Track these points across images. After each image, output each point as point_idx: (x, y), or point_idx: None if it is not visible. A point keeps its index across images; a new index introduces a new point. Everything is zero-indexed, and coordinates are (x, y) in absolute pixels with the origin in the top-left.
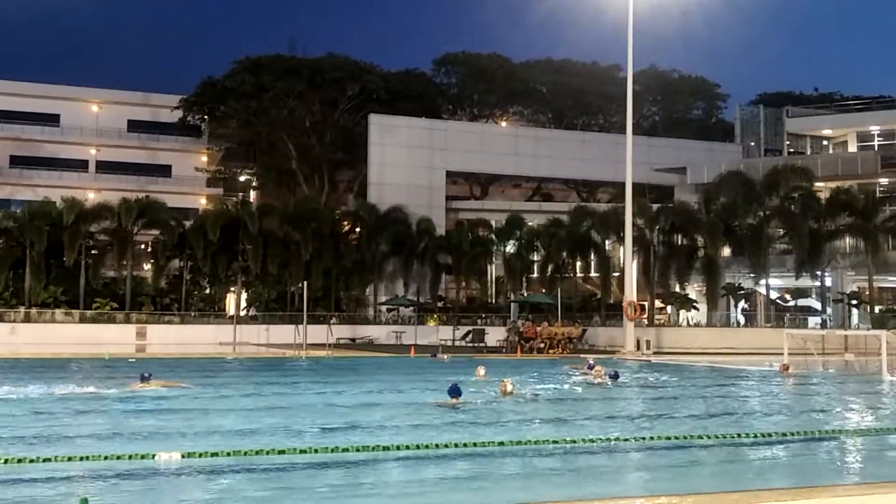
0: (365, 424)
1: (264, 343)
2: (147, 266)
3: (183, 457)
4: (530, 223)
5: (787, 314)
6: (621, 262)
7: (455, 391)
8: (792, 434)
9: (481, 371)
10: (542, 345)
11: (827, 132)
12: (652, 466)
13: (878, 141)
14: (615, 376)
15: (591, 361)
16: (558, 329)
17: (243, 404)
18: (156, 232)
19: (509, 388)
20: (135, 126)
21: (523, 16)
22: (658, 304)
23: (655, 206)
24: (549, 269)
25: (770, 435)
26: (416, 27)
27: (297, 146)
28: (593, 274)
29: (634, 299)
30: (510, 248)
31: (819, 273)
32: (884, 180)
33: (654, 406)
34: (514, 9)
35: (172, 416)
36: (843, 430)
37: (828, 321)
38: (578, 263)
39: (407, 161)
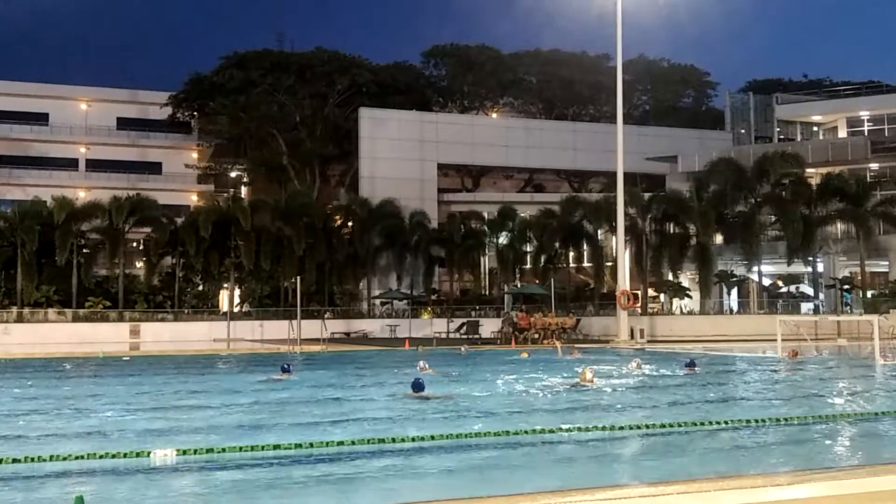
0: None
1: (258, 339)
2: (139, 264)
3: (179, 454)
4: (522, 214)
5: (780, 300)
6: (614, 251)
7: (418, 386)
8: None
9: (425, 365)
10: (536, 335)
11: (817, 118)
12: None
13: (868, 126)
14: (691, 364)
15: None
16: (552, 319)
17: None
18: (147, 229)
19: (589, 376)
20: (124, 124)
21: (511, 6)
22: (651, 292)
23: (647, 195)
24: (542, 260)
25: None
26: (404, 20)
27: (287, 141)
28: (586, 264)
29: (627, 288)
30: (503, 239)
31: (811, 259)
32: (874, 165)
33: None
34: (505, 0)
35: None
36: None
37: (820, 307)
38: (571, 253)
39: (398, 154)
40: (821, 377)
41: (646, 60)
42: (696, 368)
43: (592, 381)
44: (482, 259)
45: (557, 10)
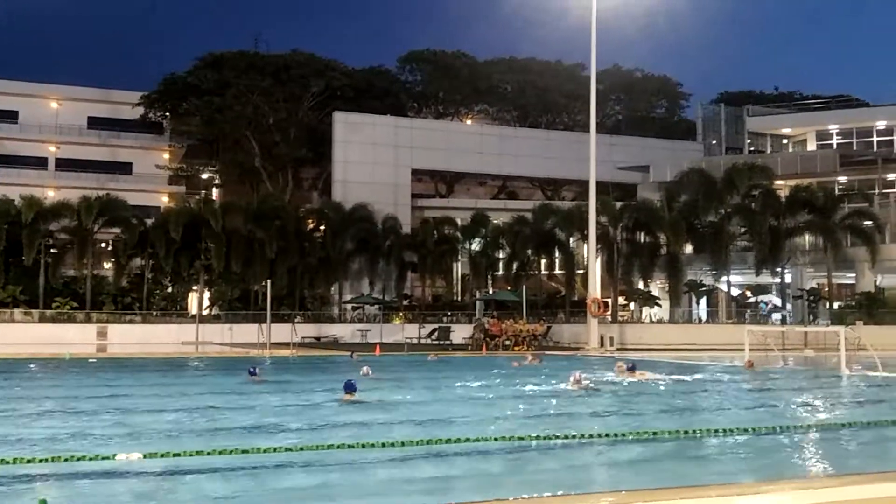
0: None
1: (227, 342)
2: (108, 265)
3: (144, 457)
4: (495, 221)
5: (748, 310)
6: (585, 259)
7: (350, 387)
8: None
9: (368, 371)
10: (507, 342)
11: (787, 131)
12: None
13: (837, 139)
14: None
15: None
16: (523, 326)
17: None
18: (117, 230)
19: (577, 377)
20: (95, 123)
21: (488, 14)
22: (621, 300)
23: (619, 204)
24: (515, 267)
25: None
26: (381, 25)
27: (260, 143)
28: (558, 271)
29: (598, 296)
30: (476, 245)
31: (779, 270)
32: (842, 178)
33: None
34: (479, 7)
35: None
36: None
37: (787, 317)
38: (543, 261)
39: (372, 159)
40: (769, 388)
41: (620, 70)
42: (636, 373)
43: (583, 384)
44: (455, 265)
45: (534, 19)
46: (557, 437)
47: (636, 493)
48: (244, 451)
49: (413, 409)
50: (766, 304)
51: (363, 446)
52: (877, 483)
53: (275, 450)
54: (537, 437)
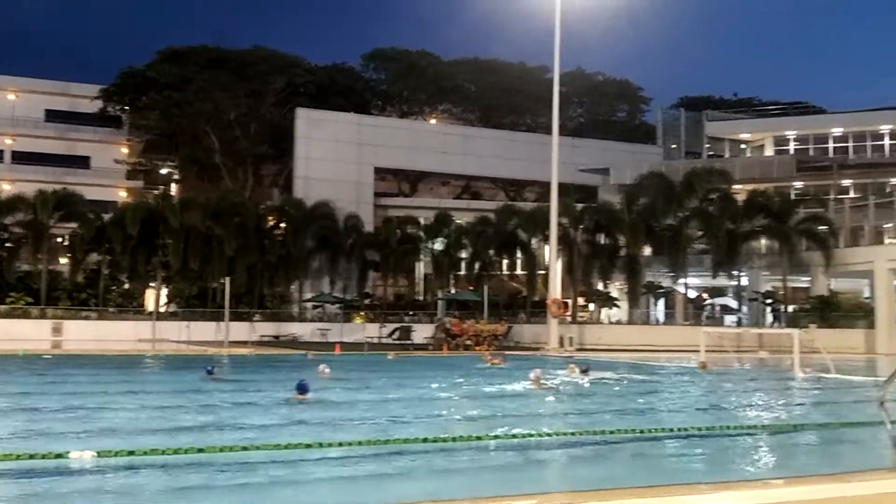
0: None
1: (185, 340)
2: (64, 260)
3: (98, 455)
4: (458, 221)
5: (705, 312)
6: (546, 260)
7: (303, 388)
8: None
9: (326, 370)
10: (468, 342)
11: (745, 136)
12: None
13: (794, 145)
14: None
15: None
16: (484, 326)
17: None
18: (73, 225)
19: (536, 374)
20: (53, 116)
21: (454, 15)
22: (581, 301)
23: (580, 206)
24: (477, 267)
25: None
26: (346, 22)
27: (220, 139)
28: (519, 272)
29: (559, 297)
30: (438, 245)
31: (735, 273)
32: (798, 183)
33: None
34: (445, 8)
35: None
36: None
37: (743, 319)
38: (505, 261)
39: (334, 156)
40: (720, 389)
41: (582, 73)
42: (589, 374)
43: (542, 384)
44: (417, 265)
45: (500, 21)
46: (499, 437)
47: (592, 493)
48: (200, 450)
49: (364, 408)
50: (712, 306)
51: (308, 446)
52: (821, 484)
53: (231, 449)
54: (470, 438)
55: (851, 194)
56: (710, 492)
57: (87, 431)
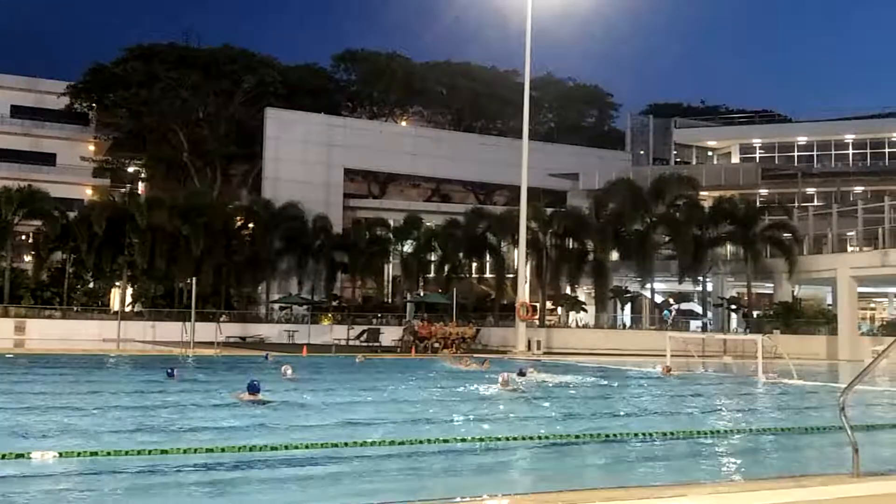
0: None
1: (150, 340)
2: (28, 258)
3: (60, 455)
4: (428, 223)
5: (663, 315)
6: (515, 263)
7: (253, 388)
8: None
9: (288, 371)
10: (437, 344)
11: (712, 143)
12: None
13: (760, 153)
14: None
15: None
16: (453, 329)
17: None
18: (38, 223)
19: (504, 378)
20: (18, 112)
21: (426, 18)
22: (549, 305)
23: (549, 211)
24: (446, 270)
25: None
26: (318, 23)
27: (189, 138)
28: (488, 275)
29: (527, 300)
30: (408, 247)
31: (701, 278)
32: (763, 191)
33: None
34: (417, 11)
35: None
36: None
37: (708, 325)
38: (474, 264)
39: (304, 157)
40: (683, 393)
41: (553, 79)
42: (527, 374)
43: (511, 386)
44: (386, 266)
45: (473, 24)
46: (457, 440)
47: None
48: (163, 451)
49: (318, 410)
50: (669, 311)
51: (251, 449)
52: (780, 489)
53: (192, 451)
54: (430, 441)
55: (815, 202)
56: (667, 495)
57: (46, 431)
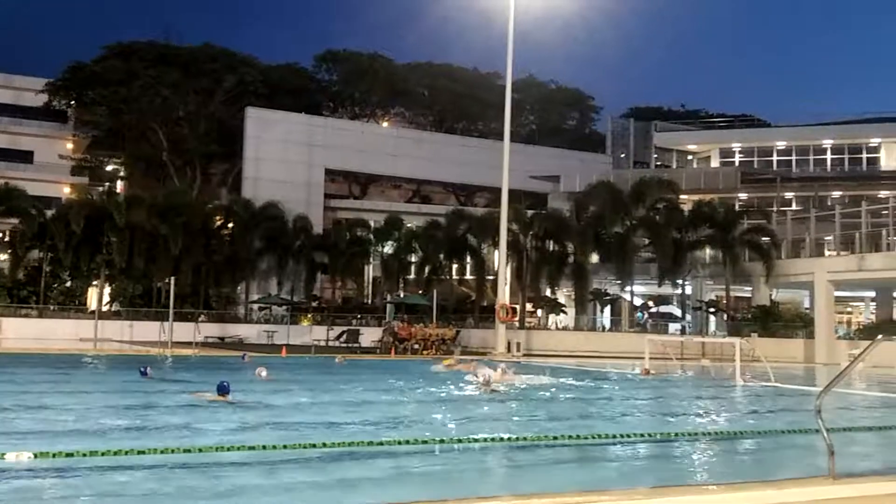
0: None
1: (128, 340)
2: (4, 256)
3: (35, 456)
4: (409, 225)
5: (650, 320)
6: (496, 265)
7: (223, 389)
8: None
9: (263, 372)
10: (416, 346)
11: (692, 147)
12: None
13: (739, 157)
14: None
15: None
16: (432, 330)
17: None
18: (15, 221)
19: (485, 378)
20: None
21: (409, 19)
22: (529, 307)
23: (530, 213)
24: (426, 271)
25: (629, 436)
26: (299, 22)
27: (168, 137)
28: (469, 276)
29: (507, 302)
30: (388, 248)
31: (680, 281)
32: (743, 195)
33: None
34: (400, 12)
35: None
36: (700, 431)
37: (687, 328)
38: (455, 266)
39: (284, 156)
40: (661, 395)
41: (535, 81)
42: (498, 371)
43: (488, 386)
44: (366, 267)
45: (455, 26)
46: (427, 442)
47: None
48: (141, 452)
49: (286, 411)
50: (643, 313)
51: (217, 450)
52: (757, 490)
53: (166, 451)
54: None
55: (794, 207)
56: (647, 497)
57: (22, 432)
